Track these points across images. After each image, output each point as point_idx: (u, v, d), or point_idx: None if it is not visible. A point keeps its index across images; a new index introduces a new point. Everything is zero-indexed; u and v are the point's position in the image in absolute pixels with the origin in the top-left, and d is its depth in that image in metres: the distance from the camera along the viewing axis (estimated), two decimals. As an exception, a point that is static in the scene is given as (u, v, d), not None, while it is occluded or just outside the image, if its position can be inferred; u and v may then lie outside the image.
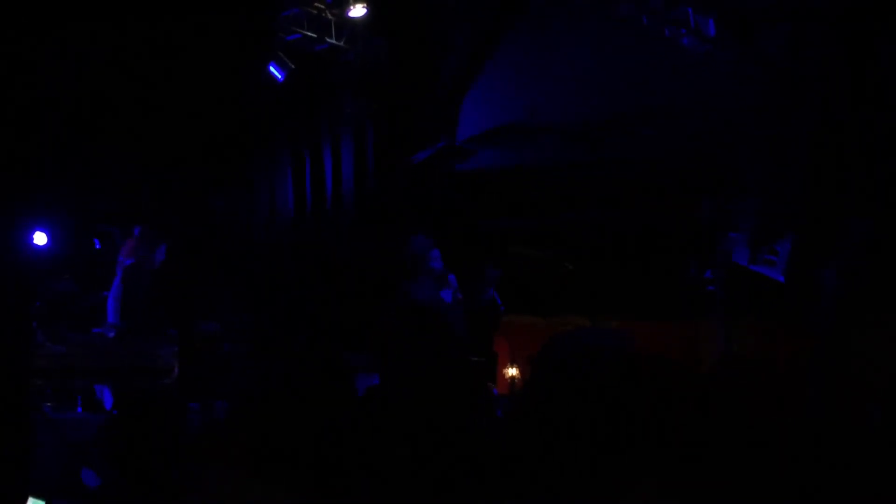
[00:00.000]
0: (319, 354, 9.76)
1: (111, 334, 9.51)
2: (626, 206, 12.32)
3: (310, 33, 11.43)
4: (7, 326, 8.29)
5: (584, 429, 7.02)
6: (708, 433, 7.27)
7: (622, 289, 11.86)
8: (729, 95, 11.00)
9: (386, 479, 6.57)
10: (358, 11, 11.24)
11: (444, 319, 7.75)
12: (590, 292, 11.79)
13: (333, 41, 11.62)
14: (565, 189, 12.52)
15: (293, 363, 8.95)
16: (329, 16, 11.47)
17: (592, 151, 12.04)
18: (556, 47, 11.87)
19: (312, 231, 12.29)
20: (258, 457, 7.48)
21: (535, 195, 12.64)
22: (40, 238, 10.23)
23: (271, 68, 11.12)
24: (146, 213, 11.01)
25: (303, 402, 7.77)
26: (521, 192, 12.67)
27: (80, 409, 9.19)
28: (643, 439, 7.13)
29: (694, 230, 11.42)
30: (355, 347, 10.24)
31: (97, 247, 11.17)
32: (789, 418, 7.45)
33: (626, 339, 8.73)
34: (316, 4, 11.33)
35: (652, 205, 12.18)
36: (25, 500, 6.50)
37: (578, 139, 12.04)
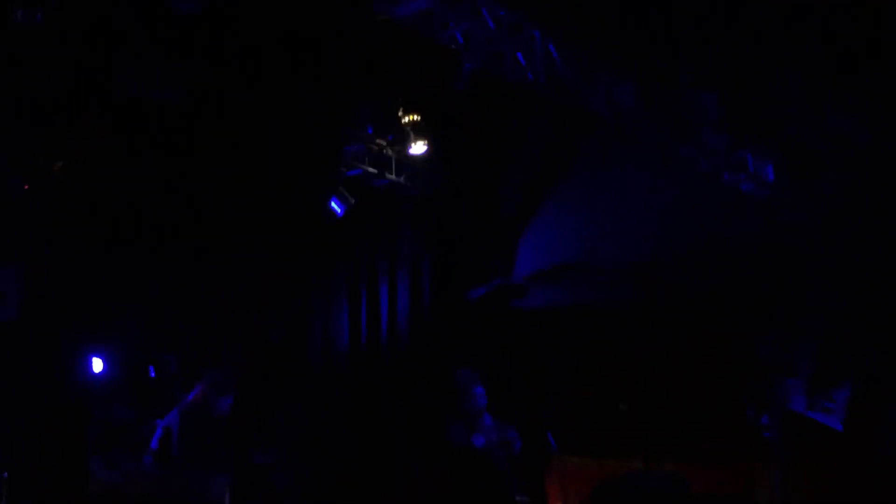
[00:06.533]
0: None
1: (148, 459, 9.44)
2: (683, 347, 12.23)
3: (370, 169, 11.59)
4: (62, 452, 8.35)
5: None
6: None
7: (677, 431, 11.71)
8: (788, 234, 10.98)
9: None
10: (419, 149, 11.37)
11: (480, 460, 7.68)
12: (644, 433, 11.64)
13: (393, 177, 11.77)
14: (621, 328, 12.45)
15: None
16: (390, 152, 11.63)
17: (649, 290, 12.00)
18: (613, 186, 11.95)
19: (367, 365, 12.28)
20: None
21: (589, 334, 12.58)
22: (97, 365, 10.32)
23: (332, 203, 11.26)
24: (205, 344, 11.08)
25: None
26: (575, 331, 12.62)
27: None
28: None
29: (750, 372, 11.31)
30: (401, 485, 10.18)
31: (152, 374, 11.21)
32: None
33: (680, 485, 8.62)
34: (378, 141, 11.51)
35: (708, 345, 12.08)
36: None
37: (634, 278, 12.02)
